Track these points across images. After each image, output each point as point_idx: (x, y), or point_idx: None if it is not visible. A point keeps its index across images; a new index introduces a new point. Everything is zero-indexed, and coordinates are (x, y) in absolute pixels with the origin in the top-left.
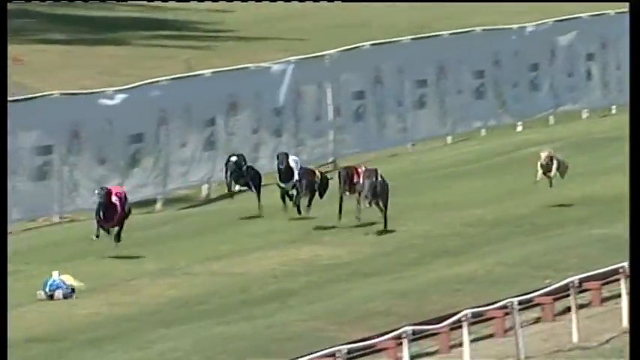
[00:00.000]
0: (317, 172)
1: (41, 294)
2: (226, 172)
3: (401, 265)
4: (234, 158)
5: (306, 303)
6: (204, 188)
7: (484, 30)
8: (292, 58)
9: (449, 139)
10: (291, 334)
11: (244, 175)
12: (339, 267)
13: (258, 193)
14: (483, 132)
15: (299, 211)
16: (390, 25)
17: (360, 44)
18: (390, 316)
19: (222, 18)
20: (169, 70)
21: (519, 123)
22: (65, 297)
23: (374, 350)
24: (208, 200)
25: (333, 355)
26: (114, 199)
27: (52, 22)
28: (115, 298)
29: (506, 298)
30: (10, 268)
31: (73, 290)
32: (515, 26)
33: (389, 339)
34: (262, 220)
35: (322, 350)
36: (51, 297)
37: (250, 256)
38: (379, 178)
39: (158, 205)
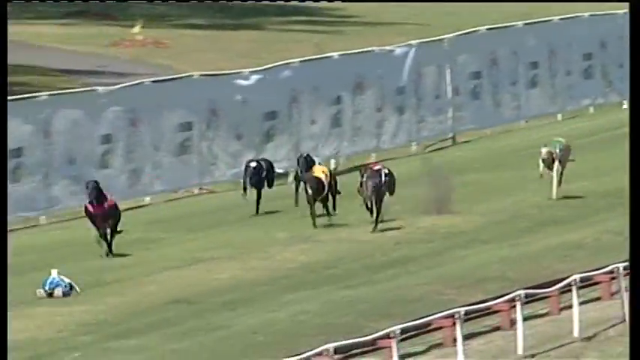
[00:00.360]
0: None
1: (41, 292)
2: (245, 176)
3: (514, 233)
4: (253, 164)
5: (426, 268)
6: (332, 162)
7: (591, 15)
8: (414, 42)
9: (559, 116)
10: (412, 297)
11: (262, 180)
12: (456, 235)
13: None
14: (591, 110)
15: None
16: (500, 12)
17: (477, 29)
18: (503, 281)
19: (350, 5)
20: (300, 52)
21: (625, 101)
22: (64, 294)
23: (489, 312)
24: (336, 173)
25: (452, 316)
26: None
27: (193, 9)
28: (249, 264)
29: (613, 264)
30: (152, 236)
31: (71, 287)
32: (620, 12)
33: (503, 302)
34: None
35: (442, 312)
36: (50, 295)
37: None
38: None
39: (290, 178)
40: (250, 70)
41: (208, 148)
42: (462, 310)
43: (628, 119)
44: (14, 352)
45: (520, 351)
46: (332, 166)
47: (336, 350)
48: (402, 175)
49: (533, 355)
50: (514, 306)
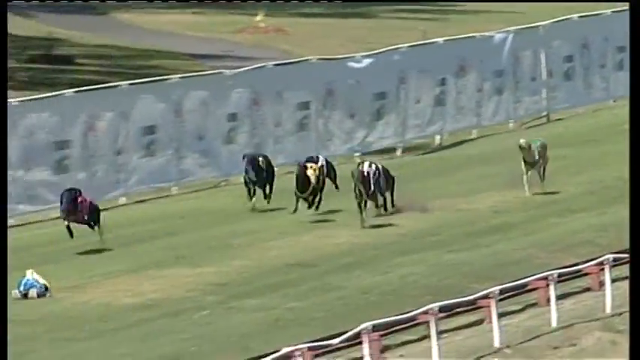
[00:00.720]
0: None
1: (16, 293)
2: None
3: (603, 203)
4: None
5: (523, 235)
6: (437, 138)
7: None
8: (511, 29)
9: None
10: (511, 261)
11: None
12: (549, 205)
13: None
14: None
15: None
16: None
17: (569, 16)
18: (593, 246)
19: None
20: (408, 38)
21: None
22: (39, 295)
23: (580, 275)
24: (440, 148)
25: (546, 278)
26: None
27: None
28: (362, 231)
29: None
30: (274, 204)
31: (46, 288)
32: None
33: (593, 265)
34: (486, 165)
35: (536, 274)
36: (25, 296)
37: (476, 195)
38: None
39: (398, 152)
40: (362, 54)
41: (324, 125)
42: (555, 272)
43: None
44: (149, 310)
45: (608, 310)
46: (437, 142)
47: (441, 309)
48: (499, 151)
49: (620, 314)
50: (603, 269)
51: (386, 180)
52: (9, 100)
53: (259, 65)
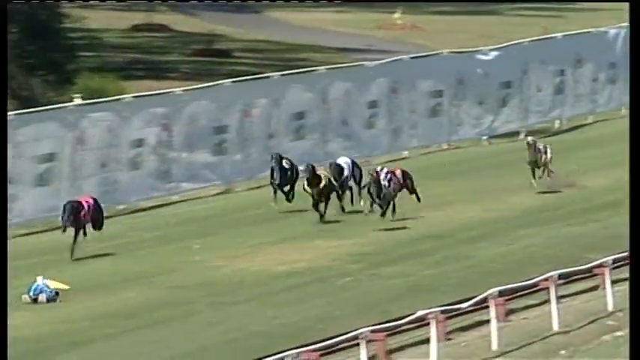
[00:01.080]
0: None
1: (26, 298)
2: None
3: None
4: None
5: None
6: (557, 123)
7: None
8: (624, 24)
9: None
10: (623, 234)
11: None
12: None
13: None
14: None
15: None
16: None
17: None
18: None
19: None
20: (530, 33)
21: None
22: (48, 300)
23: None
24: (560, 132)
25: None
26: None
27: None
28: (488, 206)
29: None
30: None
31: (57, 293)
32: None
33: None
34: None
35: None
36: (35, 300)
37: (591, 174)
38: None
39: (521, 136)
40: (490, 47)
41: (455, 112)
42: None
43: None
44: (297, 276)
45: None
46: (556, 126)
47: (560, 276)
48: (612, 134)
49: None
50: None
51: None
52: (174, 90)
53: (397, 58)
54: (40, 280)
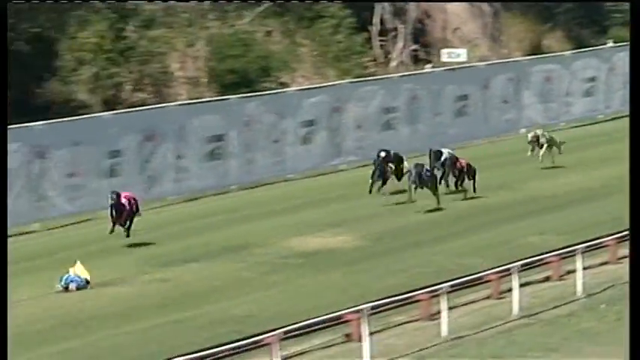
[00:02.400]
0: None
1: (58, 287)
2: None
3: None
4: (382, 154)
5: None
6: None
7: None
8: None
9: None
10: None
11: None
12: None
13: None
14: None
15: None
16: None
17: None
18: None
19: None
20: None
21: None
22: (78, 288)
23: None
24: None
25: None
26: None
27: None
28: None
29: None
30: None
31: (87, 282)
32: None
33: None
34: None
35: None
36: (66, 289)
37: None
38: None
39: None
40: None
41: None
42: None
43: None
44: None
45: None
46: None
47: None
48: None
49: None
50: None
51: None
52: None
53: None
54: (71, 271)
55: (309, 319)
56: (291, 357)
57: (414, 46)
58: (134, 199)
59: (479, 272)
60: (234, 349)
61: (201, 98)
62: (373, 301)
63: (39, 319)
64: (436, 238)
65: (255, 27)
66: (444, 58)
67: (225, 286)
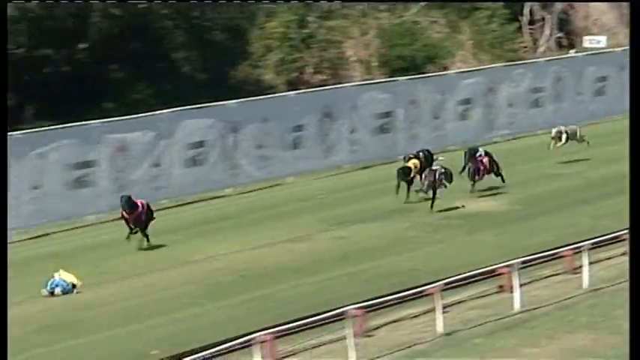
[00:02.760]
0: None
1: (44, 292)
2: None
3: None
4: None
5: None
6: None
7: None
8: None
9: None
10: None
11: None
12: None
13: None
14: None
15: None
16: None
17: None
18: None
19: None
20: None
21: None
22: (64, 292)
23: None
24: None
25: None
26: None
27: None
28: None
29: None
30: None
31: (74, 286)
32: None
33: None
34: None
35: None
36: (52, 293)
37: None
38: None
39: None
40: None
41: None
42: None
43: None
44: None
45: None
46: None
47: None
48: None
49: None
50: None
51: None
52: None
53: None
54: (57, 275)
55: (467, 272)
56: (450, 305)
57: (559, 34)
58: (147, 204)
59: (615, 232)
60: (400, 298)
61: (372, 80)
62: (523, 257)
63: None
64: (575, 201)
65: (420, 17)
66: (586, 44)
67: (393, 243)
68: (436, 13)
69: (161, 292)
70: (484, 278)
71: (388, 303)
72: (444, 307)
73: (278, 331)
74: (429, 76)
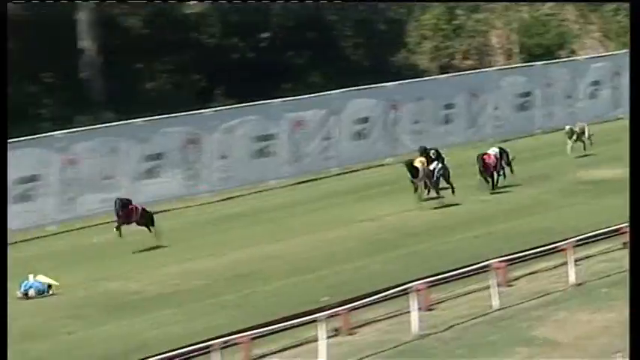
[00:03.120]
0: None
1: (18, 294)
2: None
3: None
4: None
5: None
6: None
7: None
8: None
9: None
10: None
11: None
12: None
13: None
14: None
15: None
16: None
17: None
18: None
19: None
20: None
21: None
22: (38, 293)
23: None
24: None
25: None
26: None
27: None
28: None
29: None
30: None
31: (49, 286)
32: None
33: None
34: None
35: None
36: (26, 295)
37: None
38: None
39: None
40: None
41: None
42: None
43: None
44: None
45: None
46: None
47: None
48: None
49: None
50: None
51: None
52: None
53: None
54: (31, 277)
55: (594, 231)
56: (580, 259)
57: None
58: (141, 208)
59: None
60: (535, 254)
61: (513, 65)
62: None
63: (395, 228)
64: None
65: (555, 10)
66: None
67: (532, 205)
68: (569, 6)
69: (329, 247)
70: (610, 236)
71: (526, 257)
72: (576, 261)
73: (431, 281)
74: (562, 61)
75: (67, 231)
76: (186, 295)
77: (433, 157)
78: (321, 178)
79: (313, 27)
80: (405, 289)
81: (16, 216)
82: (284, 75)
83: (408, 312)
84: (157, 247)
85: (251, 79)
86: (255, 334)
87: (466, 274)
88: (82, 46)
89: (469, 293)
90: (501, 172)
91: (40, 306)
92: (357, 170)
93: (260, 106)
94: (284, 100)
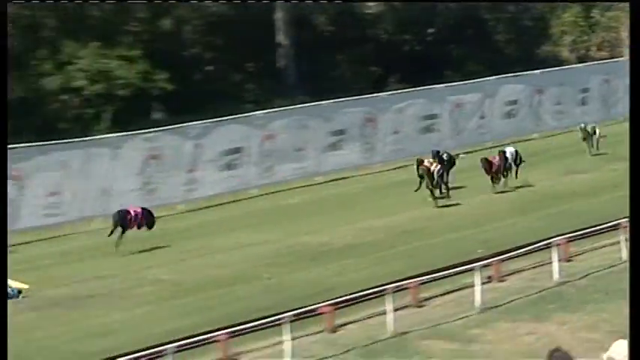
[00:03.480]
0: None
1: None
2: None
3: None
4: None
5: None
6: None
7: None
8: None
9: None
10: None
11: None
12: None
13: None
14: None
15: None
16: None
17: None
18: None
19: None
20: None
21: None
22: (10, 297)
23: None
24: None
25: None
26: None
27: None
28: None
29: None
30: None
31: (19, 292)
32: None
33: None
34: None
35: None
36: None
37: None
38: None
39: None
40: None
41: None
42: None
43: None
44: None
45: None
46: None
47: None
48: None
49: None
50: None
51: None
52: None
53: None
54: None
55: None
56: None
57: None
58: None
59: None
60: (595, 231)
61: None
62: None
63: (538, 193)
64: None
65: None
66: None
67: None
68: None
69: (485, 207)
70: None
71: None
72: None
73: (570, 237)
74: None
75: (266, 194)
76: (366, 247)
77: (445, 160)
78: (476, 151)
79: (471, 24)
80: (548, 244)
81: (224, 181)
82: (446, 64)
83: (550, 263)
84: (342, 206)
85: (419, 68)
86: (421, 280)
87: (599, 232)
88: (279, 41)
89: (602, 247)
90: (506, 174)
91: (248, 255)
92: (507, 144)
93: (426, 91)
94: (446, 85)
